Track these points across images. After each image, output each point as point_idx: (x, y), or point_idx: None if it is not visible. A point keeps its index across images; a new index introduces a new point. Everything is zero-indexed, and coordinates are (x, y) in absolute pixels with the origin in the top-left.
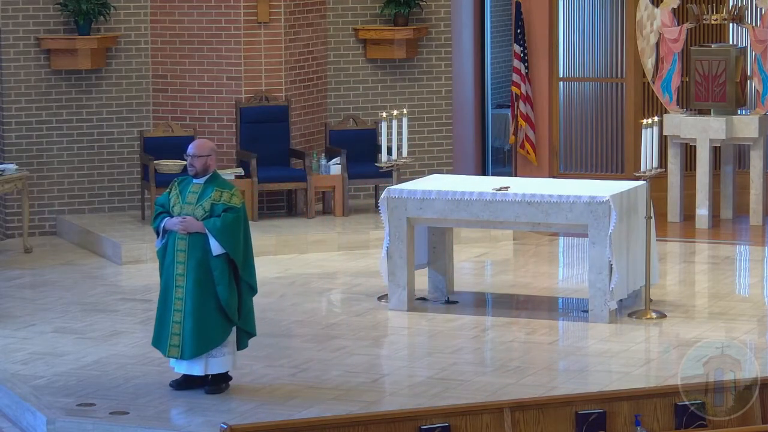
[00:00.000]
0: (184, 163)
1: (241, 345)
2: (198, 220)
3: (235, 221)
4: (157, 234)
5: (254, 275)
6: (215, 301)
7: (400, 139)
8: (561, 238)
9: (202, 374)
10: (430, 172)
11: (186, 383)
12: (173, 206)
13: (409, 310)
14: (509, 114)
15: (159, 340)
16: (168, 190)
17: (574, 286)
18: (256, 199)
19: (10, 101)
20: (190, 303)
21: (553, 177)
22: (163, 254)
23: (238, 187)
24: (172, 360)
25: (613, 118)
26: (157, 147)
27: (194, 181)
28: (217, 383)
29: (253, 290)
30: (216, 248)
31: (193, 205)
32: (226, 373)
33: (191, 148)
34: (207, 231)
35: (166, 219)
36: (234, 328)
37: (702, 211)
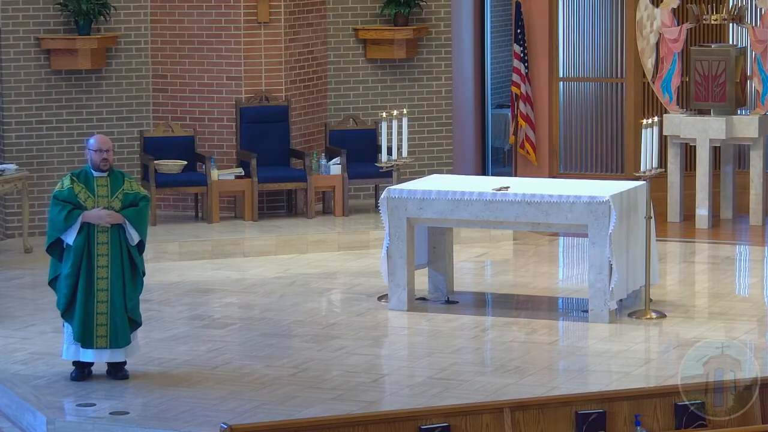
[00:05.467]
0: (185, 162)
1: None
2: (117, 211)
3: (147, 210)
4: (65, 228)
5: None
6: (140, 287)
7: (400, 139)
8: (561, 238)
9: (124, 360)
10: (430, 172)
11: (83, 375)
12: (85, 201)
13: (409, 310)
14: (509, 114)
15: (84, 335)
16: (66, 186)
17: (574, 286)
18: (256, 199)
19: (10, 101)
20: (118, 293)
21: (553, 177)
22: (77, 248)
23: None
24: (69, 351)
25: (613, 118)
26: (157, 147)
27: (96, 174)
28: (121, 369)
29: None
30: (135, 237)
31: (109, 197)
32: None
33: (105, 144)
34: (127, 221)
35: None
36: None
37: (702, 211)
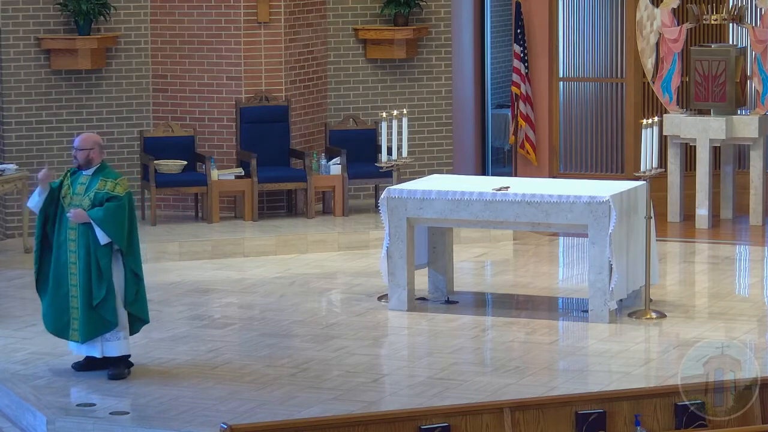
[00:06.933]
0: (185, 162)
1: (134, 330)
2: (85, 210)
3: (117, 209)
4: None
5: (139, 263)
6: (143, 288)
7: (400, 139)
8: (561, 238)
9: (100, 356)
10: (430, 172)
11: (88, 365)
12: (64, 197)
13: (409, 310)
14: (509, 114)
15: (58, 326)
16: (61, 178)
17: (574, 286)
18: (256, 199)
19: (10, 101)
20: (82, 290)
21: (553, 177)
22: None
23: (125, 177)
24: (70, 343)
25: (613, 118)
26: (157, 147)
27: (83, 173)
28: (118, 368)
29: (139, 278)
30: (102, 237)
31: (81, 195)
32: (127, 357)
33: (75, 141)
34: (91, 220)
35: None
36: (126, 314)
37: (702, 211)
